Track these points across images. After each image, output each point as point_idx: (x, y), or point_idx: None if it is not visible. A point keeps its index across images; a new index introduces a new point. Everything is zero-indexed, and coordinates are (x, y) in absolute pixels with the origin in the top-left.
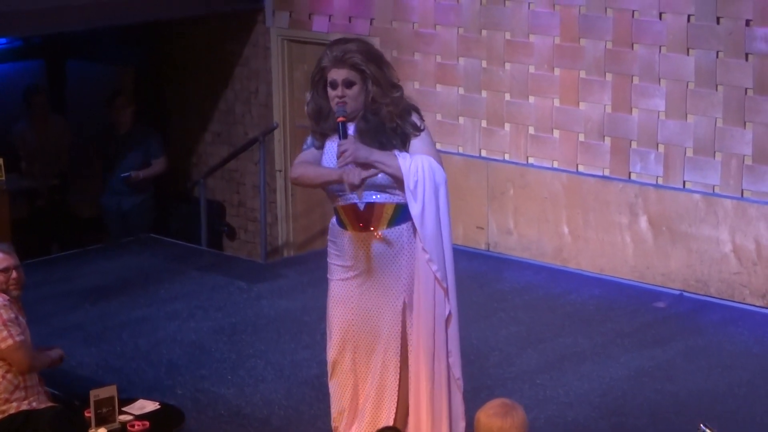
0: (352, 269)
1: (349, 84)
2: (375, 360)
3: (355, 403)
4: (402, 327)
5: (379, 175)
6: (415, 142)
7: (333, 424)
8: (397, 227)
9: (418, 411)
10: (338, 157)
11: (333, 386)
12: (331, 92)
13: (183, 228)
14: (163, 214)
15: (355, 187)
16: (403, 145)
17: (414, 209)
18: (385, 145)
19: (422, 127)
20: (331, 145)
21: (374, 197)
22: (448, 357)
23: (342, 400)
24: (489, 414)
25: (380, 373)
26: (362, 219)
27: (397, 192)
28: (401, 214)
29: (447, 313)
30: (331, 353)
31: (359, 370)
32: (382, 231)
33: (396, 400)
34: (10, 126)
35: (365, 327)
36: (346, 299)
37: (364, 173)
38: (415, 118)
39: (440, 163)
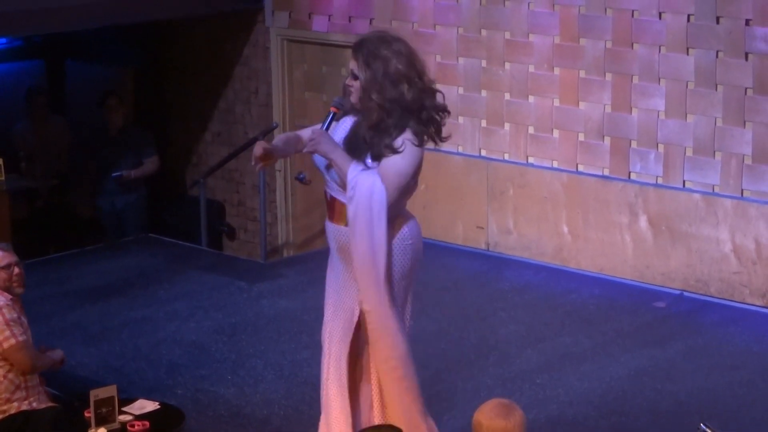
0: (332, 254)
1: (354, 76)
2: (339, 350)
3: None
4: (359, 322)
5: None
6: (385, 161)
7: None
8: None
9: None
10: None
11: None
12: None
13: (183, 228)
14: (162, 213)
15: (257, 159)
16: (374, 160)
17: (348, 214)
18: (352, 153)
19: (402, 149)
20: (336, 125)
21: (337, 193)
22: (395, 371)
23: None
24: (490, 416)
25: (340, 366)
26: (329, 209)
27: None
28: None
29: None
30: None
31: (328, 358)
32: (343, 226)
33: (347, 393)
34: (10, 126)
35: (335, 315)
36: (328, 283)
37: (269, 148)
38: (401, 138)
39: (403, 185)
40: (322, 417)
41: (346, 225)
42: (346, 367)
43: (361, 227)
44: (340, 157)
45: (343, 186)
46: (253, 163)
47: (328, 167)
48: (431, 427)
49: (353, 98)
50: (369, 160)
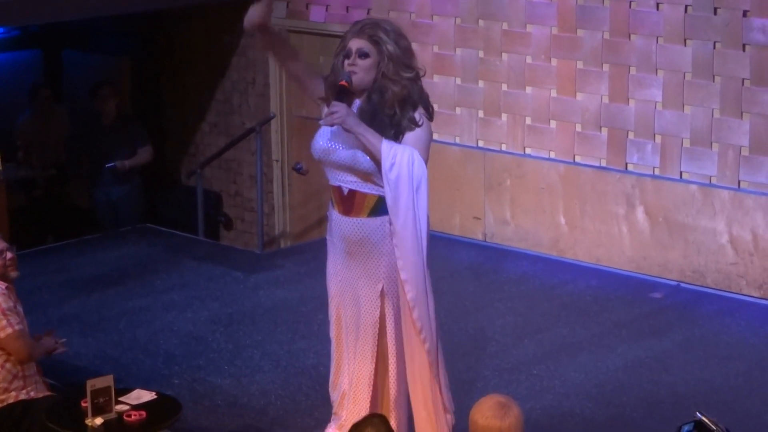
0: (338, 248)
1: (363, 54)
2: (358, 342)
3: (342, 375)
4: (381, 314)
5: (364, 163)
6: (409, 135)
7: (330, 387)
8: (380, 217)
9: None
10: (326, 116)
11: (331, 350)
12: (345, 61)
13: (180, 218)
14: (159, 204)
15: (327, 122)
16: (396, 137)
17: (388, 194)
18: (377, 131)
19: (421, 123)
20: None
21: (357, 185)
22: (424, 343)
23: (336, 371)
24: (486, 416)
25: (359, 358)
26: (345, 204)
27: (381, 183)
28: (384, 205)
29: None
30: (331, 329)
31: (347, 348)
32: (363, 218)
33: (371, 389)
34: (8, 115)
35: (350, 308)
36: (334, 276)
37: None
38: (419, 112)
39: (426, 159)
40: (343, 414)
41: (369, 216)
42: (374, 362)
43: (407, 198)
44: (368, 131)
45: (364, 176)
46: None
47: (329, 158)
48: (449, 400)
49: (361, 76)
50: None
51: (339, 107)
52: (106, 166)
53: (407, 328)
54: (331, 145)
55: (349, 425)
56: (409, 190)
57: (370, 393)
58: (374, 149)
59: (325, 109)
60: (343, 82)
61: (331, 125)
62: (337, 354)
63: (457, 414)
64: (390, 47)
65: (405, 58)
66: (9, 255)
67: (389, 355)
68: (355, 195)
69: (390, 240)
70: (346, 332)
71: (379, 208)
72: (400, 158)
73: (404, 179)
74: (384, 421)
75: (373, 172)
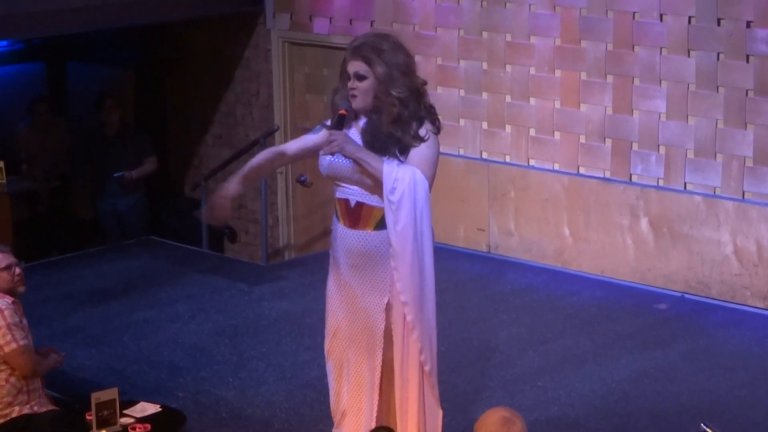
0: (342, 262)
1: (360, 77)
2: (363, 356)
3: (343, 395)
4: (387, 325)
5: (368, 177)
6: (414, 153)
7: (331, 407)
8: (385, 230)
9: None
10: (325, 145)
11: (328, 368)
12: (348, 84)
13: (183, 230)
14: (163, 216)
15: (326, 152)
16: (402, 154)
17: (389, 217)
18: (379, 151)
19: (427, 138)
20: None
21: (365, 198)
22: (420, 354)
23: (336, 392)
24: (491, 430)
25: (362, 372)
26: (351, 216)
27: None
28: None
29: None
30: (326, 342)
31: (349, 364)
32: (369, 231)
33: (377, 399)
34: (12, 128)
35: (353, 322)
36: (335, 293)
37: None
38: (424, 128)
39: (431, 176)
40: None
41: (375, 229)
42: (380, 374)
43: (407, 220)
44: (368, 155)
45: (371, 189)
46: (323, 152)
47: (339, 174)
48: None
49: (363, 99)
50: (396, 156)
51: (337, 135)
52: (115, 176)
53: (406, 348)
54: (338, 160)
55: None
56: (410, 212)
57: (376, 406)
58: (376, 173)
59: (328, 122)
60: (342, 111)
61: (331, 154)
62: (336, 373)
63: (460, 423)
64: (380, 69)
65: (395, 75)
66: (17, 270)
67: (396, 367)
68: (362, 207)
69: None
70: (345, 348)
71: (385, 221)
72: (401, 182)
73: (406, 202)
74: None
75: (380, 185)
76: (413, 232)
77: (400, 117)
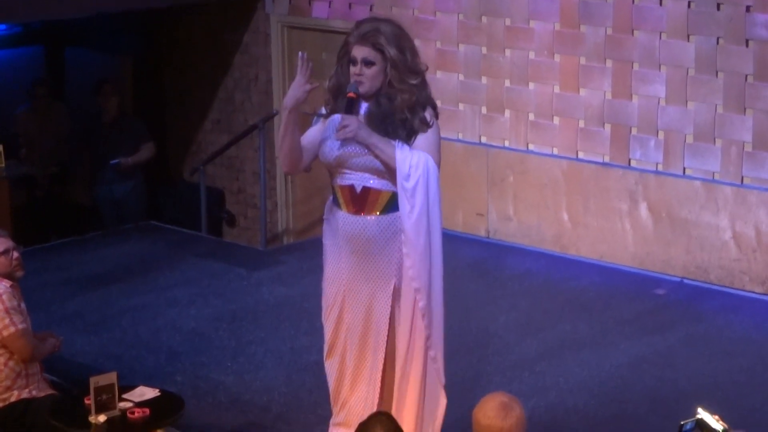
0: (344, 250)
1: (368, 63)
2: (366, 343)
3: (344, 385)
4: (392, 311)
5: (377, 161)
6: (420, 138)
7: (331, 396)
8: (392, 213)
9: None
10: (338, 130)
11: (329, 366)
12: (351, 69)
13: (182, 215)
14: (162, 201)
15: (340, 137)
16: (408, 138)
17: (403, 203)
18: (389, 134)
19: (431, 124)
20: (337, 119)
21: (371, 182)
22: (426, 340)
23: (337, 380)
24: (489, 416)
25: (369, 357)
26: (357, 202)
27: (395, 180)
28: (396, 202)
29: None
30: (327, 335)
31: (350, 353)
32: (375, 216)
33: (379, 388)
34: (10, 112)
35: (357, 310)
36: (336, 280)
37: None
38: (428, 113)
39: (439, 161)
40: (341, 416)
41: (382, 213)
42: (383, 360)
43: (422, 206)
44: (381, 140)
45: (379, 174)
46: (336, 136)
47: (347, 161)
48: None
49: (369, 84)
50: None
51: (350, 120)
52: (111, 162)
53: (412, 334)
54: (346, 146)
55: (352, 423)
56: (424, 200)
57: (377, 396)
58: (389, 159)
59: (323, 110)
60: (351, 94)
61: (345, 139)
62: (340, 364)
63: (458, 409)
64: (393, 54)
65: (409, 62)
66: (15, 254)
67: (398, 353)
68: (369, 192)
69: (401, 237)
70: (348, 336)
71: (392, 205)
72: (416, 168)
73: (420, 189)
74: (391, 418)
75: (390, 170)
76: (426, 219)
77: (415, 104)
